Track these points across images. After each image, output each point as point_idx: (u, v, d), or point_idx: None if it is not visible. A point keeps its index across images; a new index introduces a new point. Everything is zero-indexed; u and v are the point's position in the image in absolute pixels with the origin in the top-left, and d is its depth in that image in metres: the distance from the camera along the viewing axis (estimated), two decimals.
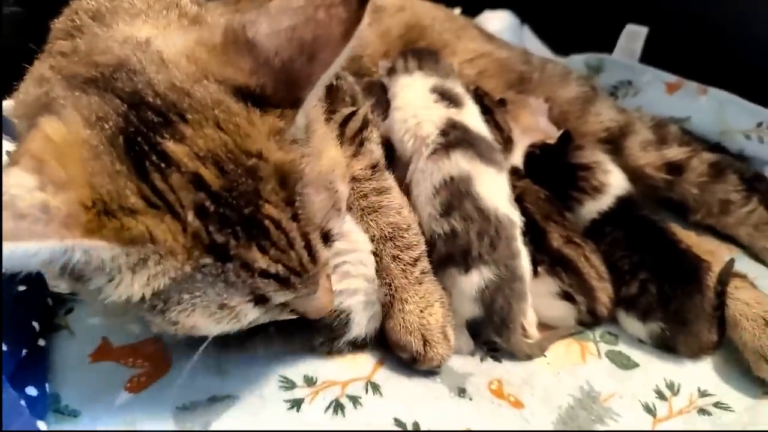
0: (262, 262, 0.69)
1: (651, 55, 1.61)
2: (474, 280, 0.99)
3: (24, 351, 0.90)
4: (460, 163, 1.05)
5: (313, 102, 0.74)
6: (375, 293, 0.99)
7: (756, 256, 1.31)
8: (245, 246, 0.68)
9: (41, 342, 0.96)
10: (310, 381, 0.95)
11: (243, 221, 0.67)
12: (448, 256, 1.01)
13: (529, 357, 1.04)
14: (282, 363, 0.96)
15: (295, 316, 0.82)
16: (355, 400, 0.94)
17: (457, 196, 1.03)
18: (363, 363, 1.00)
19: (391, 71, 1.25)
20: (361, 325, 0.99)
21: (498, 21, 1.82)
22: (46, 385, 0.88)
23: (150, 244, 0.65)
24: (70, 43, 0.82)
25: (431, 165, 1.07)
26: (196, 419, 0.87)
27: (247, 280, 0.69)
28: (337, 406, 0.92)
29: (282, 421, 0.89)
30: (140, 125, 0.66)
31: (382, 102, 1.22)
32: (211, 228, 0.66)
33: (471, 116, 1.14)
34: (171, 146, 0.66)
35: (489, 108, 1.27)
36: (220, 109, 0.67)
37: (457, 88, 1.19)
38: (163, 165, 0.65)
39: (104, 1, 0.90)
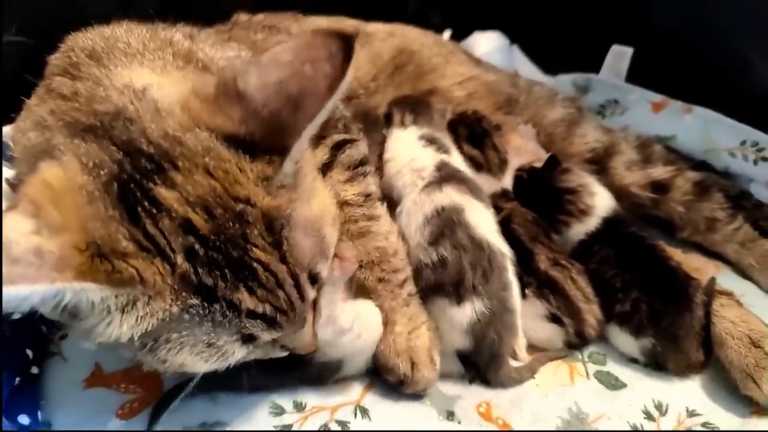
0: (249, 302, 0.72)
1: (637, 75, 1.63)
2: (467, 312, 0.99)
3: (17, 379, 0.92)
4: (452, 195, 1.08)
5: (302, 149, 0.77)
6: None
7: (743, 273, 1.32)
8: (232, 287, 0.71)
9: (34, 370, 0.97)
10: (299, 406, 0.97)
11: (231, 264, 0.70)
12: (437, 286, 1.02)
13: (519, 383, 1.05)
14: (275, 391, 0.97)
15: (285, 353, 0.85)
16: (343, 424, 0.95)
17: (448, 224, 1.04)
18: (352, 388, 1.02)
19: (387, 119, 1.28)
20: (357, 367, 1.01)
21: (488, 42, 1.84)
22: (38, 413, 0.89)
23: (140, 285, 0.67)
24: (70, 83, 0.85)
25: (424, 197, 1.10)
26: None
27: (234, 320, 0.72)
28: None
29: None
30: (134, 172, 0.70)
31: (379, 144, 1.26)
32: (199, 270, 0.69)
33: (458, 161, 1.17)
34: (162, 192, 0.69)
35: (487, 130, 1.30)
36: (210, 156, 0.71)
37: (445, 139, 1.22)
38: (154, 210, 0.69)
39: (99, 40, 0.93)
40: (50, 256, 0.62)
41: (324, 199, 0.85)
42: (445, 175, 1.11)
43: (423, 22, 1.65)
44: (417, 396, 1.01)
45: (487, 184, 1.24)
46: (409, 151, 1.18)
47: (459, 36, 1.87)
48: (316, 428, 0.93)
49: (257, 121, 0.71)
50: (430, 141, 1.18)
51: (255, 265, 0.72)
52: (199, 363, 0.75)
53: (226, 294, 0.71)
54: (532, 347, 1.10)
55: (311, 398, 0.99)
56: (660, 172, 1.33)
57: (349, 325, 0.93)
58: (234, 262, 0.71)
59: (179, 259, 0.69)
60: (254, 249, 0.71)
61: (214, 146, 0.71)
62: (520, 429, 0.97)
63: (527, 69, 1.83)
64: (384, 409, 0.98)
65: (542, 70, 1.83)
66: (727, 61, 1.48)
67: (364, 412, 0.98)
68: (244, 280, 0.72)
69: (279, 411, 0.96)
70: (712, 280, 1.14)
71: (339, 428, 0.94)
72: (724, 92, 1.48)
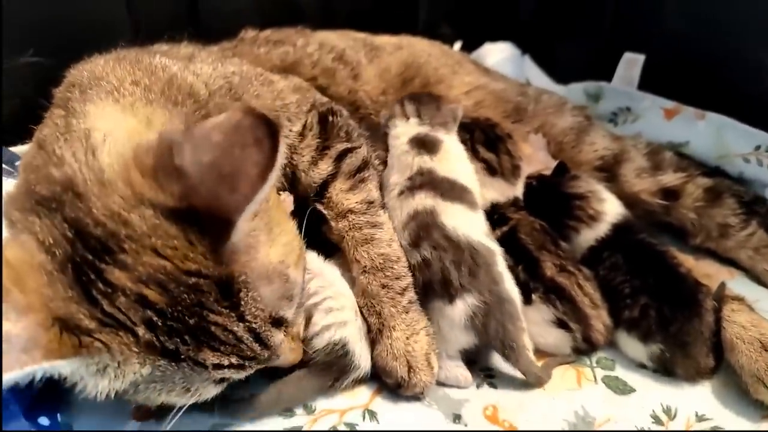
0: (213, 359, 0.78)
1: (649, 82, 1.64)
2: (460, 309, 1.01)
3: (38, 382, 0.95)
4: (424, 201, 1.11)
5: (250, 218, 0.78)
6: (362, 322, 1.04)
7: (757, 279, 1.31)
8: (195, 349, 0.76)
9: None
10: (309, 409, 0.99)
11: (190, 330, 0.75)
12: (427, 286, 1.06)
13: (538, 380, 1.05)
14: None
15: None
16: (351, 426, 0.97)
17: (423, 227, 1.08)
18: (361, 392, 1.04)
19: (390, 118, 1.30)
20: (362, 355, 1.02)
21: (499, 52, 1.86)
22: (58, 415, 0.93)
23: (107, 354, 0.73)
24: (60, 121, 0.90)
25: (399, 203, 1.14)
26: None
27: (203, 372, 0.78)
28: None
29: None
30: (85, 252, 0.73)
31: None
32: (161, 338, 0.74)
33: (441, 161, 1.18)
34: (114, 273, 0.73)
35: (501, 136, 1.33)
36: (157, 235, 0.73)
37: (440, 135, 1.23)
38: (109, 290, 0.73)
39: (88, 75, 0.99)
40: (17, 339, 0.67)
41: (288, 238, 0.88)
42: (419, 183, 1.13)
43: (434, 34, 1.68)
44: (425, 400, 1.03)
45: (501, 189, 1.26)
46: (394, 160, 1.20)
47: (470, 47, 1.89)
48: (324, 429, 0.95)
49: (198, 197, 0.72)
50: (420, 144, 1.20)
51: (213, 328, 0.76)
52: (180, 400, 0.82)
53: (190, 354, 0.76)
54: (540, 353, 1.11)
55: (321, 402, 1.01)
56: (670, 178, 1.33)
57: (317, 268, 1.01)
58: (193, 328, 0.75)
59: (141, 330, 0.73)
60: (211, 315, 0.76)
61: (160, 223, 0.73)
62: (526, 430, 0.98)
63: (539, 79, 1.84)
64: (392, 413, 1.00)
65: (554, 79, 1.84)
66: (740, 67, 1.48)
67: (373, 415, 1.00)
68: (205, 342, 0.76)
69: (290, 413, 0.98)
70: (722, 285, 1.14)
71: (348, 429, 0.96)
72: (736, 98, 1.48)
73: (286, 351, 0.87)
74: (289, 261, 0.85)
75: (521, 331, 1.03)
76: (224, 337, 0.77)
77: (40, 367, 0.68)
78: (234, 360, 0.79)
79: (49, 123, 0.95)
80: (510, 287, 1.06)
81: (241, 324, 0.78)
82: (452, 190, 1.14)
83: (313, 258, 1.05)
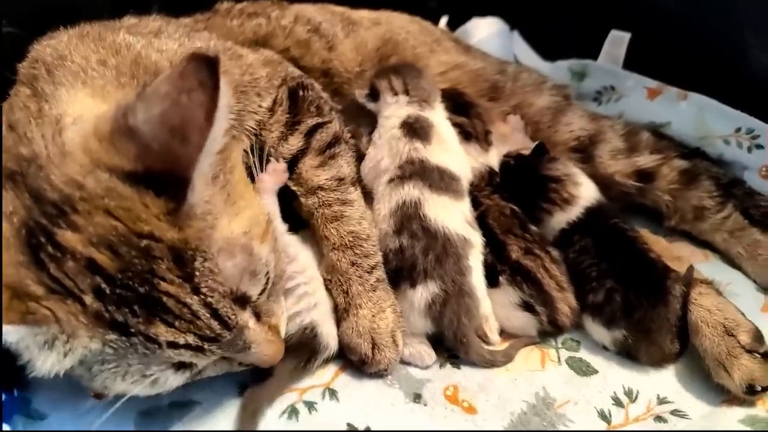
0: (167, 335, 0.75)
1: (636, 60, 1.61)
2: (420, 294, 1.03)
3: None
4: (411, 191, 1.11)
5: (207, 176, 0.78)
6: (329, 301, 1.05)
7: (731, 262, 1.31)
8: (146, 322, 0.74)
9: None
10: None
11: (140, 299, 0.73)
12: (397, 271, 1.07)
13: (492, 365, 1.07)
14: (245, 373, 0.98)
15: (248, 368, 0.89)
16: (310, 405, 0.98)
17: (407, 217, 1.08)
18: (324, 371, 1.04)
19: (373, 94, 1.27)
20: (330, 334, 1.03)
21: (486, 27, 1.83)
22: (15, 390, 0.93)
23: (55, 324, 0.71)
24: (30, 100, 0.89)
25: (390, 190, 1.13)
26: (156, 424, 0.93)
27: (156, 351, 0.75)
28: (292, 411, 0.97)
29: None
30: (40, 218, 0.73)
31: (363, 125, 1.28)
32: (110, 307, 0.72)
33: (433, 151, 1.17)
34: (66, 236, 0.72)
35: (469, 102, 1.33)
36: (110, 196, 0.72)
37: (431, 117, 1.22)
38: (58, 254, 0.72)
39: (51, 52, 0.97)
40: None
41: (254, 211, 0.86)
42: (410, 173, 1.13)
43: (420, 7, 1.65)
44: (387, 379, 1.03)
45: (476, 154, 1.26)
46: (385, 143, 1.19)
47: (457, 22, 1.86)
48: (283, 408, 0.96)
49: (152, 156, 0.72)
50: (413, 131, 1.18)
51: (165, 299, 0.73)
52: (137, 390, 0.79)
53: (140, 328, 0.73)
54: (507, 334, 1.12)
55: None
56: (646, 160, 1.32)
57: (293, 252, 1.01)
58: (143, 298, 0.73)
59: (88, 299, 0.72)
60: (162, 283, 0.73)
61: (114, 186, 0.73)
62: (483, 412, 0.99)
63: (526, 55, 1.81)
64: (353, 392, 1.01)
65: (542, 56, 1.81)
66: (725, 48, 1.45)
67: (333, 393, 1.00)
68: (158, 315, 0.74)
69: None
70: (691, 268, 1.13)
71: (306, 408, 0.97)
72: (721, 79, 1.45)
73: (260, 340, 0.84)
74: (253, 234, 0.83)
75: (472, 326, 1.04)
76: (178, 310, 0.74)
77: None
78: (191, 339, 0.76)
79: (18, 104, 0.93)
80: (475, 282, 1.06)
81: (195, 297, 0.75)
82: (441, 180, 1.14)
83: (291, 242, 1.04)
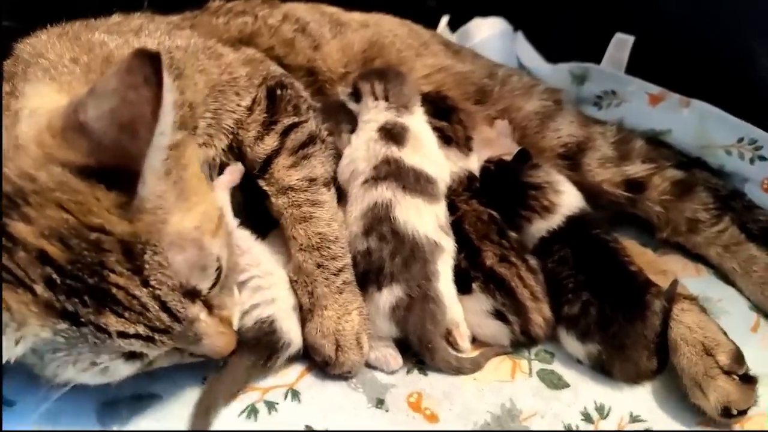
0: (117, 325, 0.76)
1: (639, 65, 1.57)
2: (386, 298, 1.03)
3: None
4: (384, 193, 1.10)
5: (158, 170, 0.79)
6: (293, 299, 1.05)
7: (725, 277, 1.28)
8: (95, 312, 0.75)
9: None
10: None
11: (90, 290, 0.74)
12: (365, 274, 1.06)
13: (459, 372, 1.06)
14: (208, 367, 0.99)
15: (199, 359, 0.90)
16: (271, 405, 0.98)
17: (377, 220, 1.08)
18: (289, 371, 1.04)
19: (356, 95, 1.27)
20: (293, 331, 1.03)
21: (489, 28, 1.80)
22: None
23: (6, 312, 0.73)
24: (8, 101, 0.91)
25: (363, 192, 1.12)
26: (116, 416, 0.94)
27: (106, 341, 0.76)
28: (252, 411, 0.97)
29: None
30: None
31: (343, 123, 1.27)
32: (60, 297, 0.74)
33: (409, 153, 1.16)
34: (17, 227, 0.73)
35: (451, 107, 1.31)
36: (62, 190, 0.74)
37: (407, 122, 1.21)
38: (9, 244, 0.73)
39: (30, 50, 0.99)
40: None
41: (206, 207, 0.87)
42: (385, 173, 1.12)
43: (419, 7, 1.64)
44: (352, 382, 1.03)
45: (456, 159, 1.24)
46: (363, 144, 1.18)
47: (459, 22, 1.83)
48: (243, 407, 0.97)
49: (103, 151, 0.74)
50: (389, 135, 1.18)
51: (114, 290, 0.75)
52: (87, 378, 0.80)
53: (90, 318, 0.75)
54: (479, 343, 1.11)
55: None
56: (636, 169, 1.29)
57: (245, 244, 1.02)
58: (93, 289, 0.74)
59: (39, 288, 0.73)
60: (112, 275, 0.75)
61: (66, 180, 0.74)
62: (445, 420, 0.98)
63: (530, 56, 1.78)
64: (315, 394, 1.01)
65: (545, 58, 1.77)
66: (730, 55, 1.41)
67: (296, 394, 1.00)
68: (108, 306, 0.75)
69: None
70: (675, 282, 1.11)
71: (266, 408, 0.97)
72: (726, 86, 1.41)
73: (212, 332, 0.85)
74: (204, 229, 0.84)
75: (437, 332, 1.03)
76: (127, 302, 0.76)
77: None
78: (141, 330, 0.77)
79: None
80: (442, 288, 1.05)
81: (144, 289, 0.76)
82: (416, 182, 1.13)
83: (243, 236, 1.05)
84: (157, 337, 0.80)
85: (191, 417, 0.93)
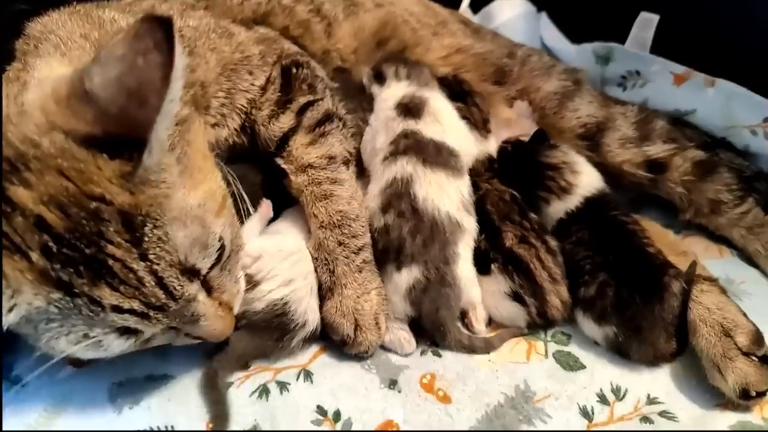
0: (111, 298, 0.75)
1: (664, 44, 1.53)
2: (404, 278, 1.02)
3: None
4: (405, 167, 1.09)
5: (163, 141, 0.78)
6: (312, 280, 1.04)
7: (748, 259, 1.25)
8: (90, 284, 0.74)
9: None
10: (244, 366, 1.00)
11: (86, 261, 0.73)
12: (384, 252, 1.06)
13: (471, 351, 1.05)
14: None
15: (196, 341, 0.89)
16: (283, 385, 0.98)
17: (396, 195, 1.07)
18: (303, 353, 1.04)
19: (378, 77, 1.27)
20: (308, 313, 1.02)
21: (512, 9, 1.77)
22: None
23: (2, 279, 0.72)
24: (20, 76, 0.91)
25: (383, 168, 1.12)
26: (128, 395, 0.95)
27: (100, 314, 0.75)
28: (263, 391, 0.97)
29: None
30: None
31: (362, 103, 1.26)
32: (55, 266, 0.73)
33: (428, 126, 1.15)
34: (17, 192, 0.73)
35: (467, 91, 1.30)
36: (63, 157, 0.73)
37: (426, 94, 1.20)
38: (8, 209, 0.73)
39: (41, 28, 0.99)
40: None
41: (211, 186, 0.86)
42: (404, 147, 1.11)
43: None
44: (365, 363, 1.03)
45: (475, 141, 1.23)
46: (381, 122, 1.18)
47: (481, 3, 1.80)
48: (254, 387, 0.97)
49: (109, 119, 0.73)
50: (406, 108, 1.17)
51: (111, 262, 0.74)
52: (80, 351, 0.79)
53: (84, 290, 0.74)
54: (495, 324, 1.10)
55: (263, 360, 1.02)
56: (657, 150, 1.26)
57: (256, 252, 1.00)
58: (89, 259, 0.73)
59: (35, 255, 0.72)
60: (109, 246, 0.73)
61: (68, 147, 0.73)
62: (458, 401, 0.97)
63: (554, 37, 1.75)
64: (328, 374, 1.01)
65: (570, 38, 1.74)
66: (757, 33, 1.36)
67: (308, 375, 1.00)
68: (103, 277, 0.74)
69: None
70: (694, 263, 1.08)
71: (278, 389, 0.98)
72: (752, 65, 1.36)
73: (210, 314, 0.85)
74: (208, 207, 0.83)
75: (452, 316, 1.03)
76: (123, 274, 0.74)
77: None
78: (136, 305, 0.76)
79: (12, 77, 0.95)
80: (461, 272, 1.04)
81: (142, 263, 0.75)
82: (437, 155, 1.12)
83: (254, 242, 1.04)
84: (152, 314, 0.78)
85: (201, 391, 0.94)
